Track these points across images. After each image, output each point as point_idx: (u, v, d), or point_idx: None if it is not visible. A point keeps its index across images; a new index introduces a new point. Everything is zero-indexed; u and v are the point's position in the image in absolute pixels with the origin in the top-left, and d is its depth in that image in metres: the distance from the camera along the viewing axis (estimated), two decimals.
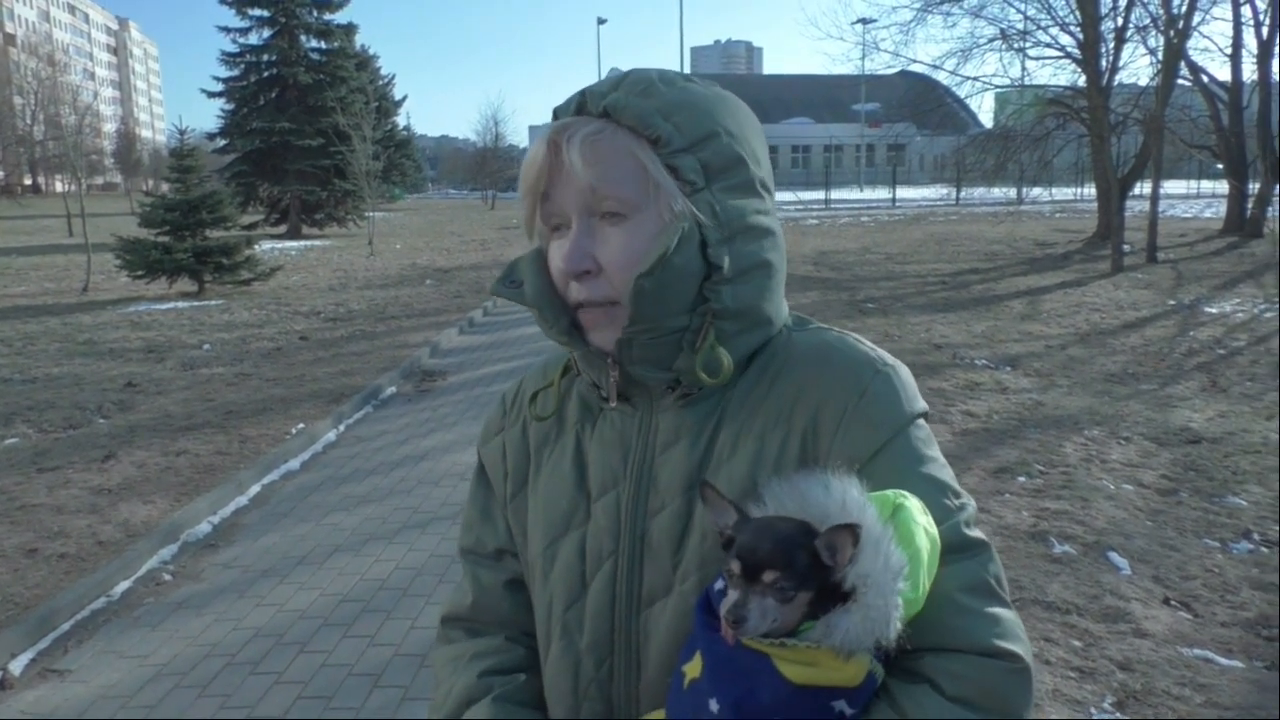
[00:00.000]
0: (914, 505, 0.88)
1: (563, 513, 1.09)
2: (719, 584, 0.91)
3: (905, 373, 1.03)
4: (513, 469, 1.17)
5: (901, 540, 0.84)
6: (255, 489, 6.12)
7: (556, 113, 1.02)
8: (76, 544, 5.02)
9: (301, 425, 7.34)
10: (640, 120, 0.96)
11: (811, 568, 0.83)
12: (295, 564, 4.91)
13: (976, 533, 0.94)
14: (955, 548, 0.91)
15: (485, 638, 1.15)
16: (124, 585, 4.68)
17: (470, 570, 1.19)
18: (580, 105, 1.00)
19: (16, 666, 3.92)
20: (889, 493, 0.89)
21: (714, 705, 0.86)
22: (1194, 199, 39.04)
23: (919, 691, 0.88)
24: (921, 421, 1.01)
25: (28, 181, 76.22)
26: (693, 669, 0.91)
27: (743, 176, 1.00)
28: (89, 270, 17.02)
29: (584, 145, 0.95)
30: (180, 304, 14.71)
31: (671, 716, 0.93)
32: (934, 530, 0.88)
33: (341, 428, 7.62)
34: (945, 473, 0.98)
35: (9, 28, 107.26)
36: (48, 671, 3.92)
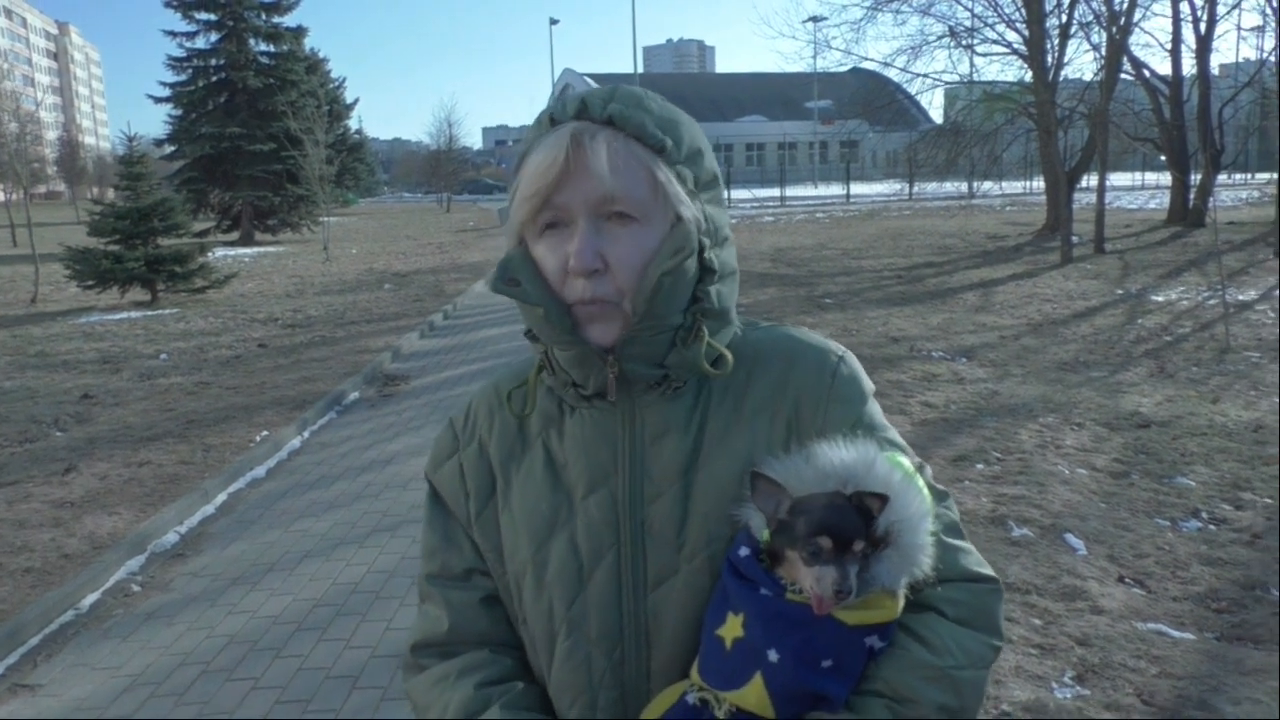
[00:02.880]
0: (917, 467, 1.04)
1: (544, 517, 1.12)
2: (743, 550, 1.00)
3: (854, 356, 1.18)
4: (475, 488, 1.18)
5: (921, 494, 0.99)
6: (222, 497, 6.09)
7: (554, 115, 1.05)
8: (41, 558, 4.97)
9: (266, 432, 7.30)
10: (644, 131, 1.03)
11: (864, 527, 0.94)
12: (265, 571, 4.91)
13: (938, 484, 1.10)
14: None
15: (468, 655, 1.15)
16: (92, 598, 4.65)
17: (441, 595, 1.18)
18: (581, 110, 1.03)
19: None
20: (893, 455, 1.03)
21: (773, 655, 0.96)
22: (1139, 190, 39.92)
23: (929, 619, 1.01)
24: (873, 397, 1.15)
25: None
26: (730, 630, 0.99)
27: (717, 191, 1.12)
28: (37, 281, 16.69)
29: (609, 149, 1.00)
30: (133, 314, 14.49)
31: (713, 679, 1.00)
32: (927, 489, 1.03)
33: (306, 434, 7.59)
34: (900, 437, 1.14)
35: None
36: (18, 687, 3.88)
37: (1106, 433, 6.33)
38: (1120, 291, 12.79)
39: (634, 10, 51.37)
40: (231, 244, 30.50)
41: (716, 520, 1.06)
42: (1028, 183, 39.47)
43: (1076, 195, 19.77)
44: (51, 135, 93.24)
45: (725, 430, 1.09)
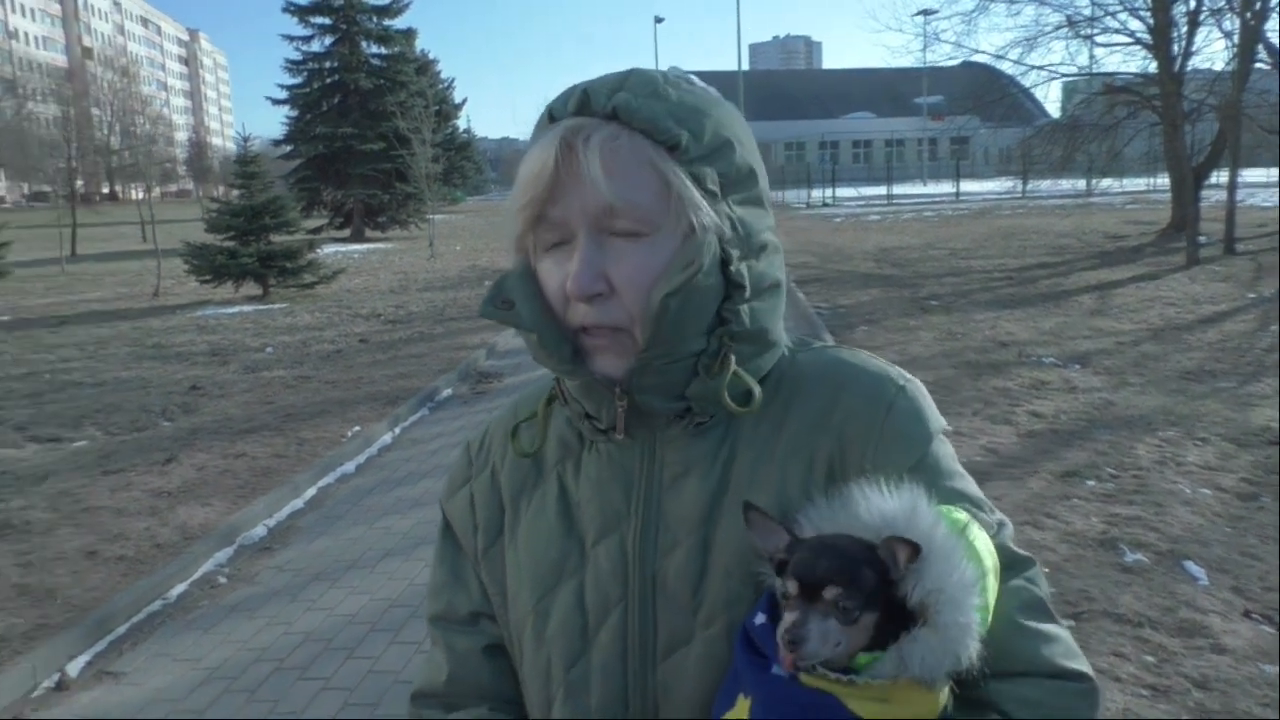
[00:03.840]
0: (973, 521, 0.84)
1: (553, 562, 0.98)
2: (759, 618, 0.83)
3: (922, 387, 0.97)
4: (484, 521, 1.06)
5: (970, 557, 0.79)
6: (311, 492, 6.17)
7: (553, 111, 0.91)
8: (135, 546, 5.10)
9: (358, 428, 7.39)
10: (655, 125, 0.87)
11: (879, 587, 0.77)
12: (347, 568, 4.92)
13: (1022, 549, 0.91)
14: (1006, 565, 0.86)
15: (466, 711, 1.03)
16: (180, 588, 4.74)
17: (443, 639, 1.06)
18: (583, 104, 0.89)
19: (74, 668, 3.98)
20: (946, 507, 0.84)
21: None
22: (1274, 187, 37.60)
23: None
24: (944, 436, 0.95)
25: (105, 190, 78.76)
26: (737, 715, 0.82)
27: (753, 189, 0.94)
28: (159, 275, 17.47)
29: (604, 152, 0.85)
30: (245, 308, 15.01)
31: None
32: (992, 547, 0.83)
33: (397, 430, 7.66)
34: (974, 487, 0.94)
35: (86, 41, 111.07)
36: (103, 674, 3.97)
37: (1234, 449, 5.86)
38: (1252, 296, 11.97)
39: (739, 7, 50.96)
40: (343, 241, 31.47)
41: (740, 579, 0.89)
42: (1151, 179, 37.63)
43: (1204, 192, 18.72)
44: (181, 136, 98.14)
45: (754, 470, 0.93)
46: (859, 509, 0.81)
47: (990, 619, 0.79)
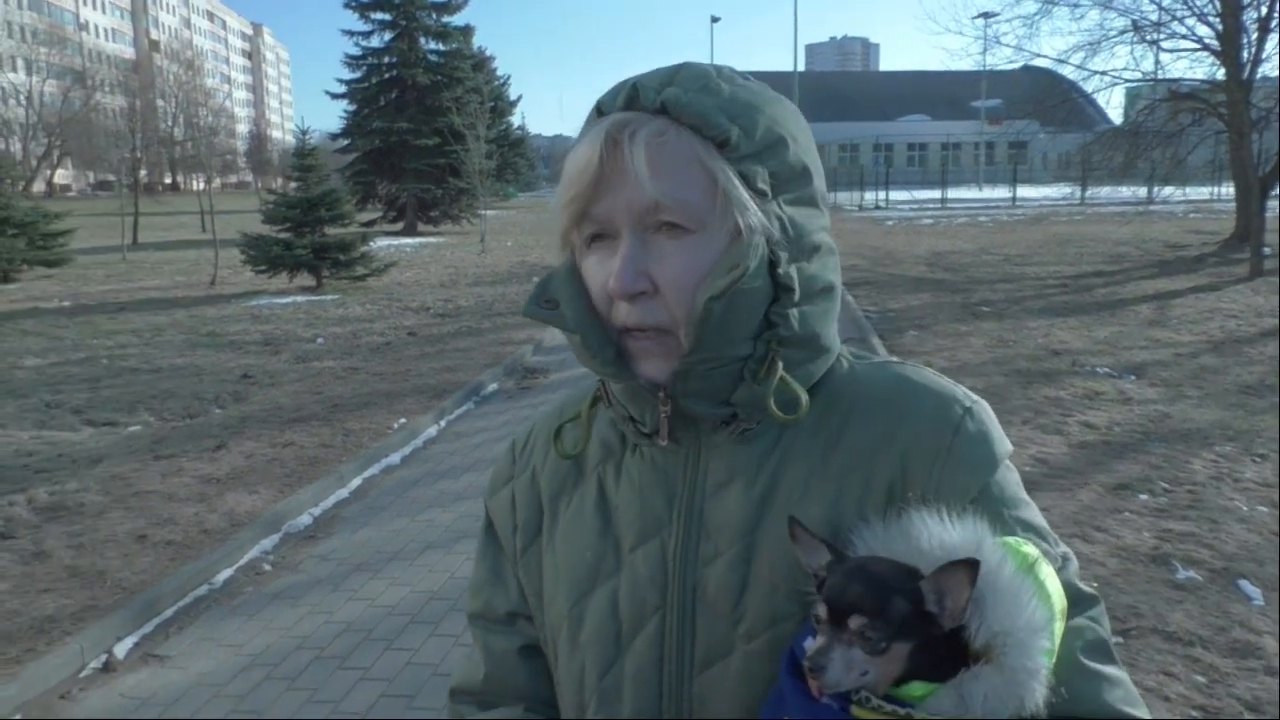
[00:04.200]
0: (1042, 557, 0.80)
1: (588, 565, 0.96)
2: (808, 640, 0.79)
3: (989, 408, 0.93)
4: (523, 521, 1.05)
5: (1039, 597, 0.75)
6: (356, 482, 6.24)
7: (601, 106, 0.89)
8: (183, 531, 5.19)
9: (404, 420, 7.47)
10: (705, 120, 0.84)
11: (912, 617, 0.73)
12: (388, 560, 4.97)
13: (1087, 585, 0.86)
14: (1071, 602, 0.81)
15: (502, 710, 1.04)
16: (226, 574, 4.82)
17: (481, 637, 1.07)
18: (631, 99, 0.87)
19: (121, 650, 4.07)
20: (1013, 540, 0.79)
21: None
22: None
23: None
24: (1010, 461, 0.91)
25: (167, 180, 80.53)
26: None
27: (807, 189, 0.91)
28: (216, 265, 17.80)
29: (650, 148, 0.83)
30: (299, 298, 15.23)
31: None
32: (1060, 586, 0.79)
33: (442, 423, 7.73)
34: (1039, 517, 0.89)
35: (153, 34, 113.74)
36: (149, 656, 4.04)
37: None
38: None
39: (796, 7, 50.57)
40: (396, 234, 31.80)
41: (786, 595, 0.86)
42: (1215, 188, 36.69)
43: (1270, 202, 18.19)
44: (243, 129, 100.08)
45: (805, 485, 0.89)
46: (920, 538, 0.78)
47: (1054, 660, 0.76)
